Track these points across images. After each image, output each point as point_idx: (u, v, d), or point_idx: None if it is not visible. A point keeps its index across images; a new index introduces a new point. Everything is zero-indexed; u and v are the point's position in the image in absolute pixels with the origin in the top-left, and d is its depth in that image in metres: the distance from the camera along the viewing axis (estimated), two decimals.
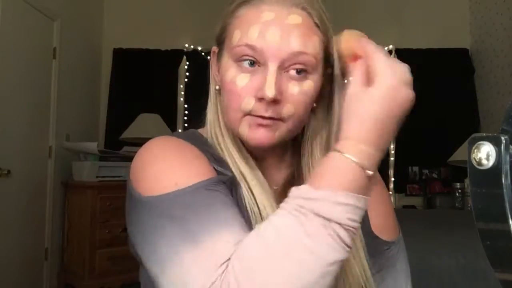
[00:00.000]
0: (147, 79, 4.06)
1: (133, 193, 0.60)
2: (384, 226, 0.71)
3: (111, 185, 3.21)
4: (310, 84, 0.62)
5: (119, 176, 3.30)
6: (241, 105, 0.61)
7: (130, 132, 3.58)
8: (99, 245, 3.14)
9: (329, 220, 0.47)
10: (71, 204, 3.36)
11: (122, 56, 4.13)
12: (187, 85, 4.16)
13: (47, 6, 3.22)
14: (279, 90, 0.59)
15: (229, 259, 0.49)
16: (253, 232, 0.50)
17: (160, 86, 4.08)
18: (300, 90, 0.61)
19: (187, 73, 4.16)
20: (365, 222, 0.70)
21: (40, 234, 3.21)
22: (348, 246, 0.49)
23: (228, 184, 0.62)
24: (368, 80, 0.53)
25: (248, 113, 0.61)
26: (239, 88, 0.61)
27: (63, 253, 3.38)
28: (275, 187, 0.71)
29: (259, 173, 0.67)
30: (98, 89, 4.17)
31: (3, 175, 2.72)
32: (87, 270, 3.10)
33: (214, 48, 0.69)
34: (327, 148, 0.67)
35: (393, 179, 3.99)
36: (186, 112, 4.15)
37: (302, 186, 0.51)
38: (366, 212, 0.69)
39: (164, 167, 0.59)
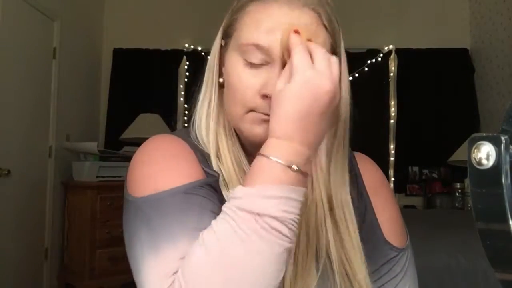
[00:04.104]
0: (147, 79, 4.07)
1: (124, 192, 0.62)
2: (393, 232, 0.71)
3: (111, 185, 3.21)
4: None
5: (119, 176, 3.29)
6: (245, 101, 0.60)
7: (130, 132, 3.58)
8: (99, 245, 3.14)
9: (259, 214, 0.48)
10: (71, 204, 3.36)
11: (122, 56, 4.13)
12: (187, 85, 4.16)
13: (47, 6, 3.22)
14: None
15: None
16: (197, 241, 0.50)
17: (160, 86, 4.08)
18: None
19: (187, 73, 4.16)
20: (375, 228, 0.70)
21: (40, 234, 3.21)
22: (287, 237, 0.49)
23: (214, 185, 0.62)
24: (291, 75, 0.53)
25: (252, 110, 0.61)
26: (245, 84, 0.60)
27: (63, 253, 3.39)
28: None
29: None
30: (98, 89, 4.17)
31: (3, 175, 2.72)
32: (87, 270, 3.10)
33: (221, 41, 0.67)
34: (330, 148, 0.66)
35: (393, 179, 3.99)
36: (186, 112, 4.15)
37: (237, 187, 0.52)
38: (376, 218, 0.70)
39: (149, 170, 0.61)
